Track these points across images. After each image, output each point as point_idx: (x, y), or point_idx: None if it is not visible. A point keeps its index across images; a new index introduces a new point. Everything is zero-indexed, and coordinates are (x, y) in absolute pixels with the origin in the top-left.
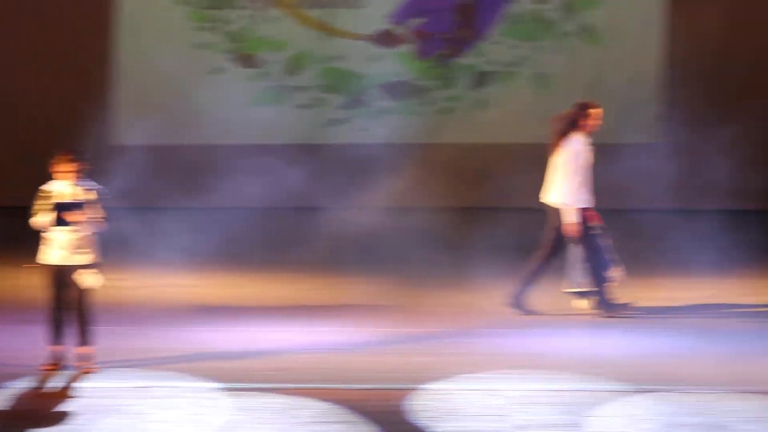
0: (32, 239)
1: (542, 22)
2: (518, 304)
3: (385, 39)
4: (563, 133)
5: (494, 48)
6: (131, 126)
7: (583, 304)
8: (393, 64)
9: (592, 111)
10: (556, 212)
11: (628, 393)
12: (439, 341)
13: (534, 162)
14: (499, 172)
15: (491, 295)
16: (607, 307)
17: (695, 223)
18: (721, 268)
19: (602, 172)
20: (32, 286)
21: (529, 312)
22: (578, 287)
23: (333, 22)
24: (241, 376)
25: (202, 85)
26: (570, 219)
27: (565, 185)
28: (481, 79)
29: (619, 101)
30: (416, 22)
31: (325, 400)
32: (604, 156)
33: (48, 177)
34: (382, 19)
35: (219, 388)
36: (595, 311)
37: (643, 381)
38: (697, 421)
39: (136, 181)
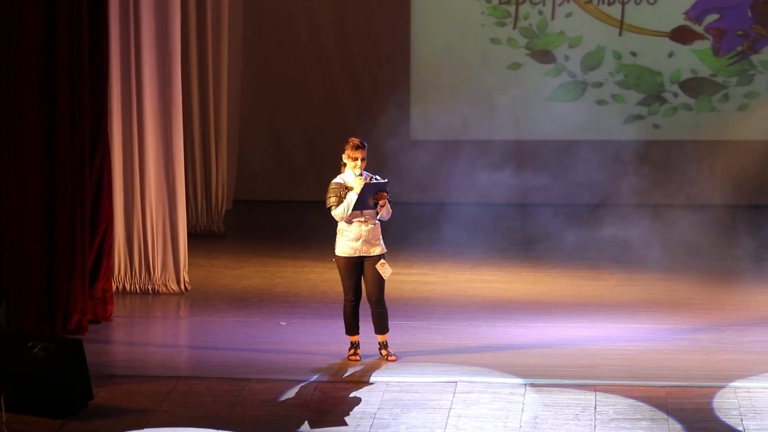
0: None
1: None
2: None
3: (681, 35)
4: None
5: None
6: (426, 121)
7: None
8: (689, 61)
9: None
10: None
11: None
12: (742, 339)
13: None
14: None
15: None
16: None
17: None
18: None
19: None
20: (327, 279)
21: None
22: None
23: (627, 18)
24: (543, 372)
25: (499, 80)
26: None
27: None
28: None
29: None
30: (712, 18)
31: (629, 397)
32: None
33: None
34: (677, 15)
35: (523, 384)
36: None
37: None
38: None
39: (429, 176)
